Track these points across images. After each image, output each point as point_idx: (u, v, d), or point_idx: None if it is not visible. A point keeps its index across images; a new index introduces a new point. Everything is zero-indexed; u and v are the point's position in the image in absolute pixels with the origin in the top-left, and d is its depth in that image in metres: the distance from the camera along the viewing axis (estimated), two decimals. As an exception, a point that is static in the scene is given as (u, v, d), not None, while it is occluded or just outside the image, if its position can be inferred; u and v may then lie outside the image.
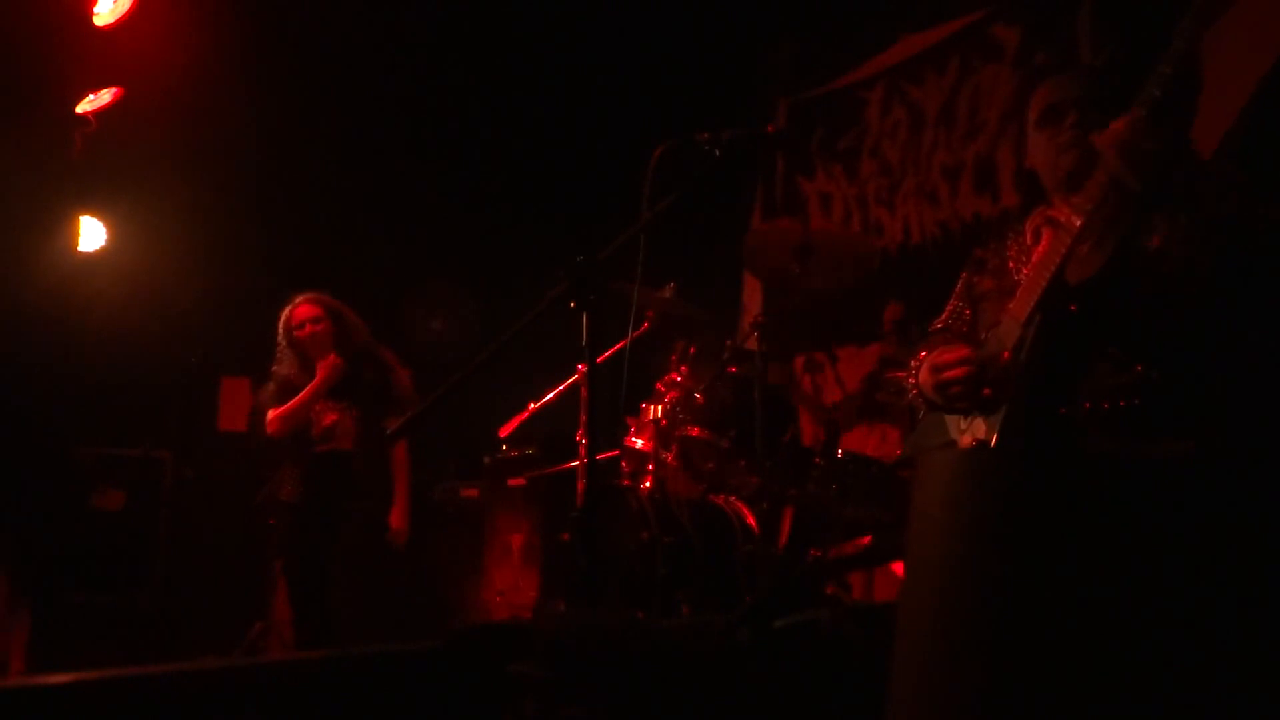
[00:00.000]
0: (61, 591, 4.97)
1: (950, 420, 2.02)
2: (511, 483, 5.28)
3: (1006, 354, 1.90)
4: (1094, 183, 1.86)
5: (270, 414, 4.26)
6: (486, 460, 5.45)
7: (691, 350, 4.15)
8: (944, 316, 2.26)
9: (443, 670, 2.12)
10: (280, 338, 4.36)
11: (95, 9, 4.74)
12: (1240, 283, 1.80)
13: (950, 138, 5.00)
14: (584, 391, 3.40)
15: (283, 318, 4.37)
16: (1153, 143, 1.79)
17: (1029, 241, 2.03)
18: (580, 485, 3.78)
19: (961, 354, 1.97)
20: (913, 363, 2.14)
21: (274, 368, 4.37)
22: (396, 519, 4.28)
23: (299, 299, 4.37)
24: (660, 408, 3.96)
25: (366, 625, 4.16)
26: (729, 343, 4.22)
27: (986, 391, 1.91)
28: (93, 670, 1.85)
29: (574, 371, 4.23)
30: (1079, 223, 1.85)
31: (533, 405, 4.56)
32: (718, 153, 2.34)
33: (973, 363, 1.94)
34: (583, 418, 3.74)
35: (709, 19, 5.40)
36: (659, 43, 5.44)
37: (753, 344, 3.70)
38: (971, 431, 1.95)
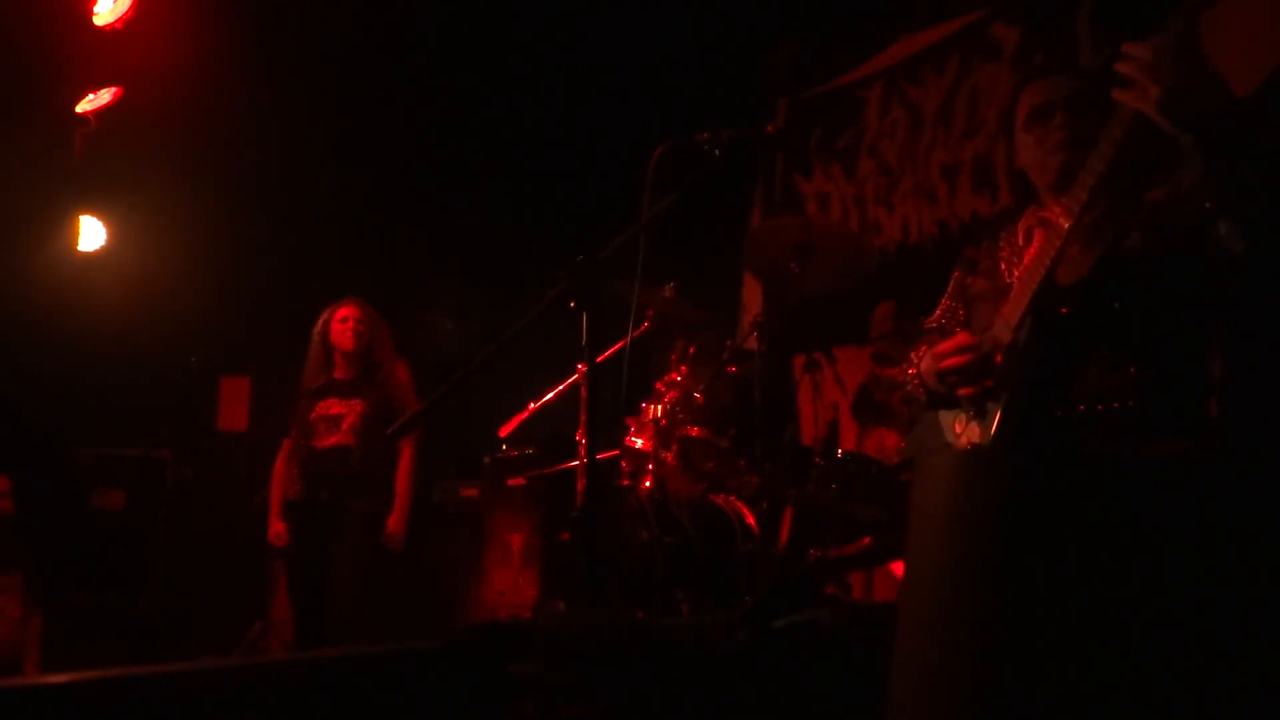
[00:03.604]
0: (62, 591, 4.99)
1: (946, 423, 2.01)
2: (511, 483, 5.28)
3: (999, 357, 1.90)
4: (1081, 184, 1.85)
5: None
6: (486, 460, 5.44)
7: (691, 350, 4.15)
8: (937, 315, 2.25)
9: (443, 670, 2.12)
10: (315, 334, 4.44)
11: (95, 9, 4.75)
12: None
13: (949, 137, 5.00)
14: (584, 391, 3.39)
15: (324, 316, 4.47)
16: (1184, 68, 1.71)
17: (1021, 242, 2.02)
18: (580, 485, 3.77)
19: (962, 341, 1.97)
20: (914, 354, 2.13)
21: (305, 371, 4.48)
22: (394, 523, 4.30)
23: (346, 299, 4.49)
24: (660, 408, 3.96)
25: (366, 625, 4.16)
26: (729, 343, 4.23)
27: (989, 382, 1.91)
28: (93, 670, 1.85)
29: (574, 371, 4.23)
30: (1067, 225, 1.85)
31: (533, 405, 4.55)
32: (718, 153, 2.33)
33: (974, 349, 1.93)
34: (583, 417, 3.74)
35: (709, 19, 5.39)
36: (659, 43, 5.43)
37: (753, 344, 3.70)
38: (968, 435, 1.94)
